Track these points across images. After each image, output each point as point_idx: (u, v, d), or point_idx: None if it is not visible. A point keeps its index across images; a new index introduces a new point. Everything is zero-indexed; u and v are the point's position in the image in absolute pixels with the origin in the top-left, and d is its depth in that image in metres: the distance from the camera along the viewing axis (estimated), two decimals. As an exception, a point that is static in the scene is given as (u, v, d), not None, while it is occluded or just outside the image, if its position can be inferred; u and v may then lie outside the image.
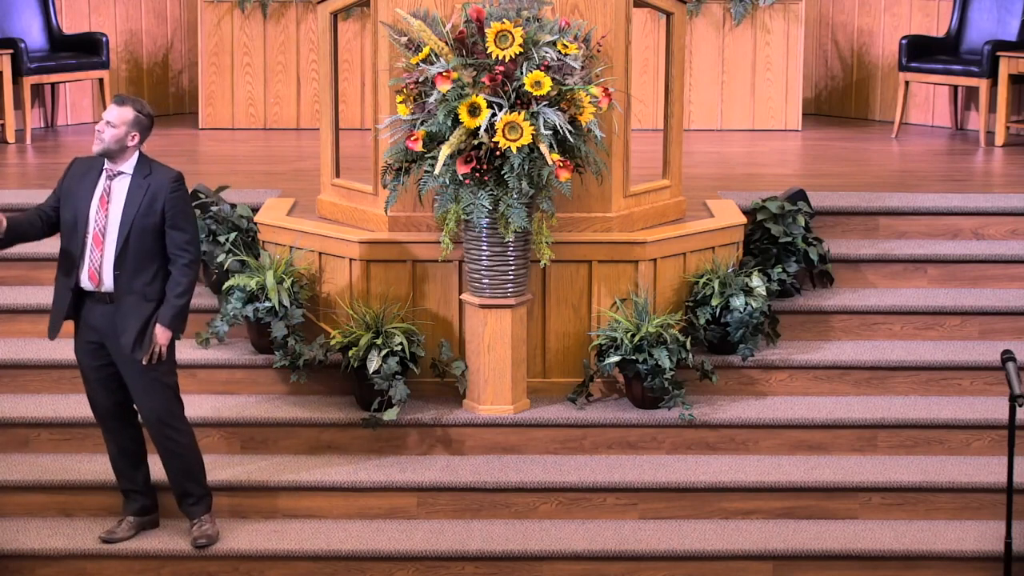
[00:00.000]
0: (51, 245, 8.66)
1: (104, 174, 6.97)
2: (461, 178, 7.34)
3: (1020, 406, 6.68)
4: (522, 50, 7.30)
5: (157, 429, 7.08)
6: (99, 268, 6.94)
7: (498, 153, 7.31)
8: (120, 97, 6.98)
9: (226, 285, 7.95)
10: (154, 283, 6.97)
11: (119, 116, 6.91)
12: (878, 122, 11.68)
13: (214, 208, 8.33)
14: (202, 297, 8.19)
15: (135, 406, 7.13)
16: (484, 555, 7.26)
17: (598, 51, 7.70)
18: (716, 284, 8.01)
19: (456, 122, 7.30)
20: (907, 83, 11.11)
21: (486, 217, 7.39)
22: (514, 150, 7.25)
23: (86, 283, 6.96)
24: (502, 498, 7.53)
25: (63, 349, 8.10)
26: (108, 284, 6.95)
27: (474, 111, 7.27)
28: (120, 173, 6.96)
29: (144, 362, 6.95)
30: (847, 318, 8.39)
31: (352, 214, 8.18)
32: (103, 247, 6.93)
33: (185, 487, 7.21)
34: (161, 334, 6.98)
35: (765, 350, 8.19)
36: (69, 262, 6.97)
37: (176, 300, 6.98)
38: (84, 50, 11.08)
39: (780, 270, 8.32)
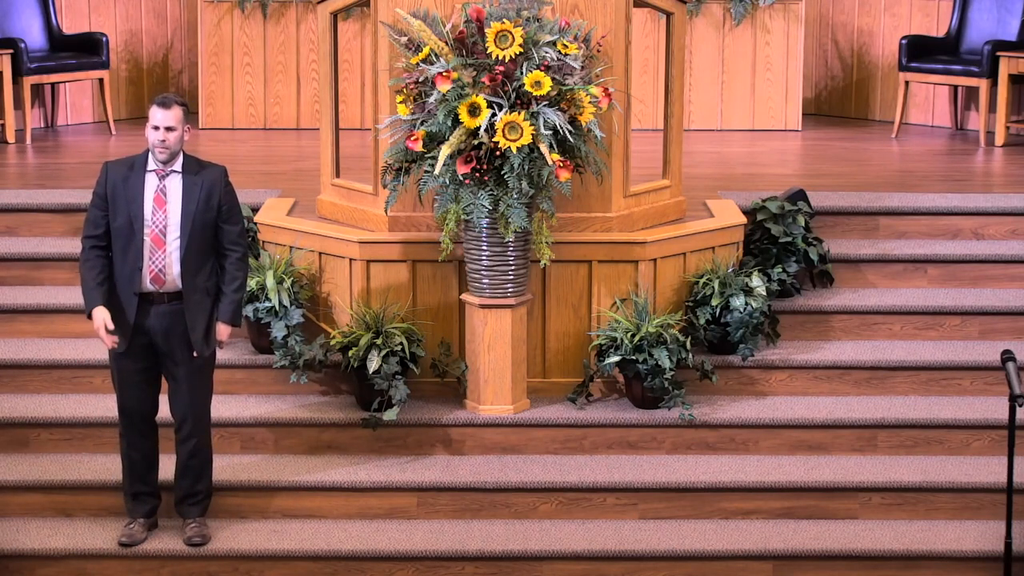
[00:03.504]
0: (52, 245, 8.67)
1: (152, 174, 6.95)
2: (461, 178, 7.34)
3: (1020, 406, 6.68)
4: (522, 50, 7.30)
5: (192, 427, 7.10)
6: (163, 269, 6.93)
7: (498, 153, 7.31)
8: (164, 99, 6.92)
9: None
10: (211, 278, 7.03)
11: (175, 118, 6.91)
12: (878, 122, 11.68)
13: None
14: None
15: (177, 408, 7.11)
16: (484, 555, 7.26)
17: (598, 51, 7.70)
18: (716, 284, 8.02)
19: (456, 122, 7.30)
20: (907, 83, 11.11)
21: (486, 217, 7.40)
22: (514, 150, 7.25)
23: (148, 286, 6.95)
24: (502, 498, 7.53)
25: (63, 349, 8.10)
26: (172, 284, 6.95)
27: (474, 111, 7.27)
28: (172, 172, 6.96)
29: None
30: (847, 318, 8.39)
31: (352, 214, 8.19)
32: (165, 247, 6.92)
33: (196, 486, 7.21)
34: (223, 330, 7.08)
35: (765, 350, 8.19)
36: (128, 268, 6.92)
37: (234, 295, 7.06)
38: (84, 50, 11.08)
39: (780, 270, 8.32)
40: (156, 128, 6.89)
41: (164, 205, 6.93)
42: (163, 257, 6.93)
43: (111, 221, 6.92)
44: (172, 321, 6.98)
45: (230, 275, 7.06)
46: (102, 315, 6.89)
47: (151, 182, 6.94)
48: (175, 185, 6.95)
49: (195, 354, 7.02)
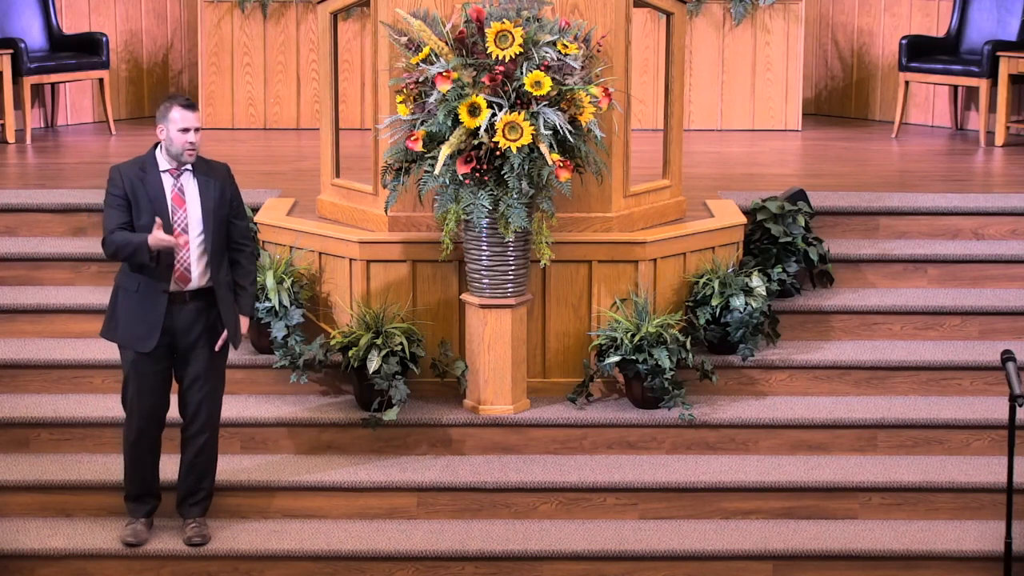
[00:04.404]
0: (52, 245, 8.67)
1: (167, 174, 6.94)
2: (461, 178, 7.34)
3: (1020, 406, 6.68)
4: (522, 50, 7.30)
5: (204, 422, 7.12)
6: (188, 267, 6.95)
7: (498, 153, 7.31)
8: (188, 100, 6.93)
9: (226, 285, 7.96)
10: (229, 273, 7.07)
11: (199, 119, 6.95)
12: (878, 122, 11.68)
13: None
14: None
15: (191, 404, 7.10)
16: (484, 555, 7.26)
17: (598, 51, 7.70)
18: (716, 284, 8.02)
19: (456, 122, 7.30)
20: (907, 83, 11.11)
21: (486, 217, 7.40)
22: (514, 150, 7.25)
23: (173, 285, 6.94)
24: (502, 498, 7.54)
25: (63, 349, 8.10)
26: (196, 281, 6.97)
27: (474, 111, 7.27)
28: (185, 170, 6.97)
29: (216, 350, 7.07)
30: (847, 318, 8.39)
31: (352, 214, 8.19)
32: (187, 246, 6.94)
33: (200, 484, 7.22)
34: (244, 324, 7.13)
35: (765, 350, 8.19)
36: (159, 267, 6.89)
37: (252, 288, 7.14)
38: (84, 50, 11.08)
39: (780, 270, 8.32)
40: (186, 130, 6.90)
41: (183, 204, 6.95)
42: (187, 255, 6.94)
43: (135, 220, 6.91)
44: (195, 318, 7.00)
45: (245, 270, 7.11)
46: (156, 233, 6.79)
47: (167, 182, 6.96)
48: (190, 183, 6.97)
49: (218, 346, 7.05)
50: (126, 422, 7.14)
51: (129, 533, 7.21)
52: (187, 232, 6.94)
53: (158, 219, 6.80)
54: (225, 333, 7.06)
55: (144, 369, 7.03)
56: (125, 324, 7.00)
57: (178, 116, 6.90)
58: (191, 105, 6.93)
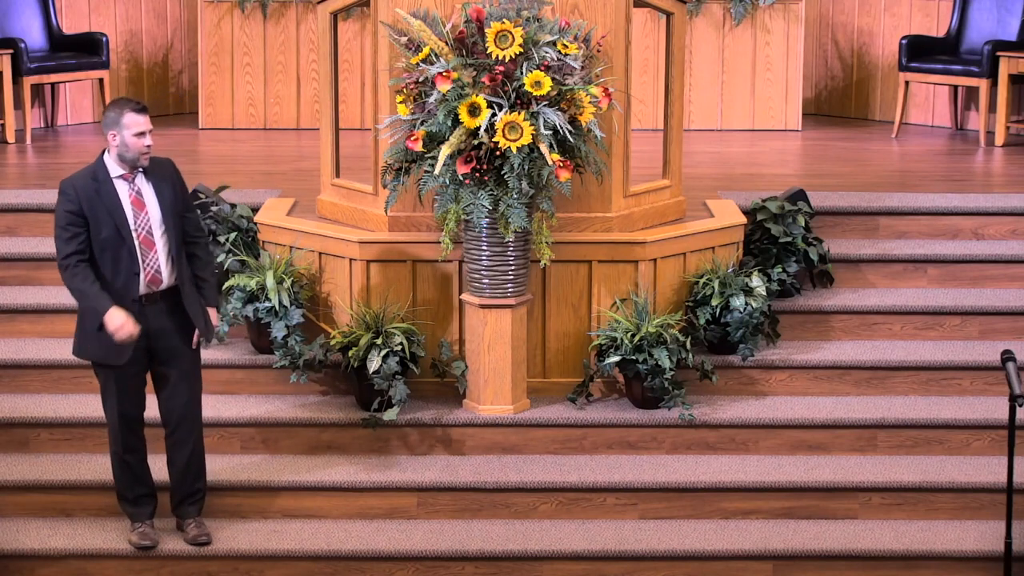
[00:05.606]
0: (52, 245, 8.66)
1: (120, 180, 6.91)
2: (461, 178, 7.35)
3: (1020, 406, 6.68)
4: (522, 50, 7.30)
5: (190, 422, 7.10)
6: (158, 269, 6.93)
7: (498, 153, 7.31)
8: (139, 104, 6.88)
9: (226, 285, 7.96)
10: (189, 267, 7.05)
11: (149, 121, 6.91)
12: (878, 122, 11.68)
13: (214, 208, 8.33)
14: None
15: (177, 406, 7.07)
16: (484, 555, 7.26)
17: (598, 51, 7.70)
18: (716, 284, 8.02)
19: (456, 122, 7.30)
20: (907, 83, 11.11)
21: (486, 217, 7.40)
22: (514, 150, 7.25)
23: (145, 289, 6.93)
24: (502, 498, 7.54)
25: (63, 349, 8.10)
26: (167, 281, 6.96)
27: (474, 111, 7.27)
28: (139, 173, 6.95)
29: (193, 346, 7.05)
30: (847, 318, 8.39)
31: (352, 214, 8.19)
32: (154, 247, 6.92)
33: (196, 484, 7.21)
34: (213, 315, 7.12)
35: (765, 350, 8.19)
36: (123, 276, 6.88)
37: (214, 279, 7.13)
38: (84, 50, 11.08)
39: (780, 270, 8.32)
40: (142, 134, 6.85)
41: (144, 208, 6.92)
42: (155, 257, 6.92)
43: (95, 235, 6.86)
44: (168, 318, 6.99)
45: (204, 261, 7.10)
46: (123, 313, 6.84)
47: (123, 188, 6.91)
48: (146, 186, 6.94)
49: (194, 343, 7.03)
50: (113, 429, 7.08)
51: (140, 536, 7.18)
52: (152, 235, 6.92)
53: (134, 334, 6.80)
54: (198, 331, 7.06)
55: (123, 372, 7.00)
56: (97, 342, 6.93)
57: (131, 121, 6.84)
58: (143, 108, 6.88)
